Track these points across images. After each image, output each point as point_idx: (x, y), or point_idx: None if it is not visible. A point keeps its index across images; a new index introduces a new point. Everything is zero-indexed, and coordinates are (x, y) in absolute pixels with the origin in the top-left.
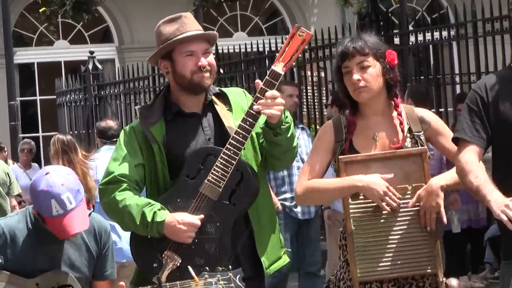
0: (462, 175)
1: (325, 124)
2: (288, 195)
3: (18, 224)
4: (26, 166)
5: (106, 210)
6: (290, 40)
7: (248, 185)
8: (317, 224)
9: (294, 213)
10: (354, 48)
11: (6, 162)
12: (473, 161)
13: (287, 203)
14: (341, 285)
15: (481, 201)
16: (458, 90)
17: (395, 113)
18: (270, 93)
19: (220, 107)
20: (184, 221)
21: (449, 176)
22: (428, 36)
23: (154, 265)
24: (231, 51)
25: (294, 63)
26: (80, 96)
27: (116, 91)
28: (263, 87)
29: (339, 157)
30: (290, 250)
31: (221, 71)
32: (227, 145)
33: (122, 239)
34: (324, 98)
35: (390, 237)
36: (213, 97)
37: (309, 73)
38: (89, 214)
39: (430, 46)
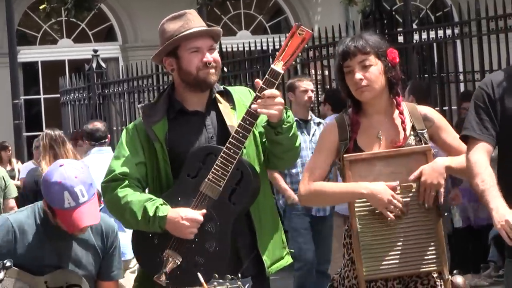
0: (469, 176)
1: (329, 123)
2: None
3: (27, 219)
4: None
5: (109, 208)
6: (290, 38)
7: (248, 184)
8: (331, 222)
9: (309, 209)
10: (355, 47)
11: (10, 161)
12: (482, 162)
13: None
14: (346, 283)
15: (484, 206)
16: (462, 89)
17: (396, 112)
18: (269, 92)
19: (223, 105)
20: (187, 216)
21: (456, 161)
22: (432, 34)
23: (155, 263)
24: (234, 49)
25: (298, 61)
26: (84, 95)
27: (120, 89)
28: (263, 86)
29: (344, 155)
30: (293, 250)
31: (225, 69)
32: (227, 144)
33: None
34: None
35: (396, 235)
36: (217, 95)
37: (312, 71)
38: (100, 210)
39: (434, 44)
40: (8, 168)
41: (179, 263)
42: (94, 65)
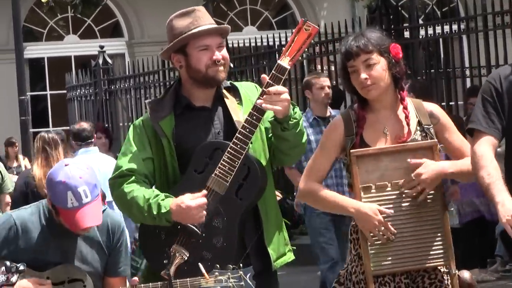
0: (475, 169)
1: (335, 119)
2: None
3: (31, 216)
4: None
5: (117, 204)
6: (297, 34)
7: (255, 180)
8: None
9: None
10: (357, 47)
11: (17, 157)
12: (487, 155)
13: None
14: (353, 278)
15: (490, 199)
16: (468, 84)
17: (401, 107)
18: (274, 88)
19: (230, 101)
20: (190, 205)
21: (458, 166)
22: (438, 29)
23: (162, 259)
24: (241, 45)
25: (304, 57)
26: (90, 91)
27: (126, 85)
28: (270, 81)
29: (351, 150)
30: (295, 248)
31: (231, 65)
32: (234, 140)
33: None
34: None
35: (403, 230)
36: (224, 91)
37: (319, 67)
38: (103, 211)
39: (440, 39)
40: (15, 164)
41: (186, 258)
42: (100, 61)
